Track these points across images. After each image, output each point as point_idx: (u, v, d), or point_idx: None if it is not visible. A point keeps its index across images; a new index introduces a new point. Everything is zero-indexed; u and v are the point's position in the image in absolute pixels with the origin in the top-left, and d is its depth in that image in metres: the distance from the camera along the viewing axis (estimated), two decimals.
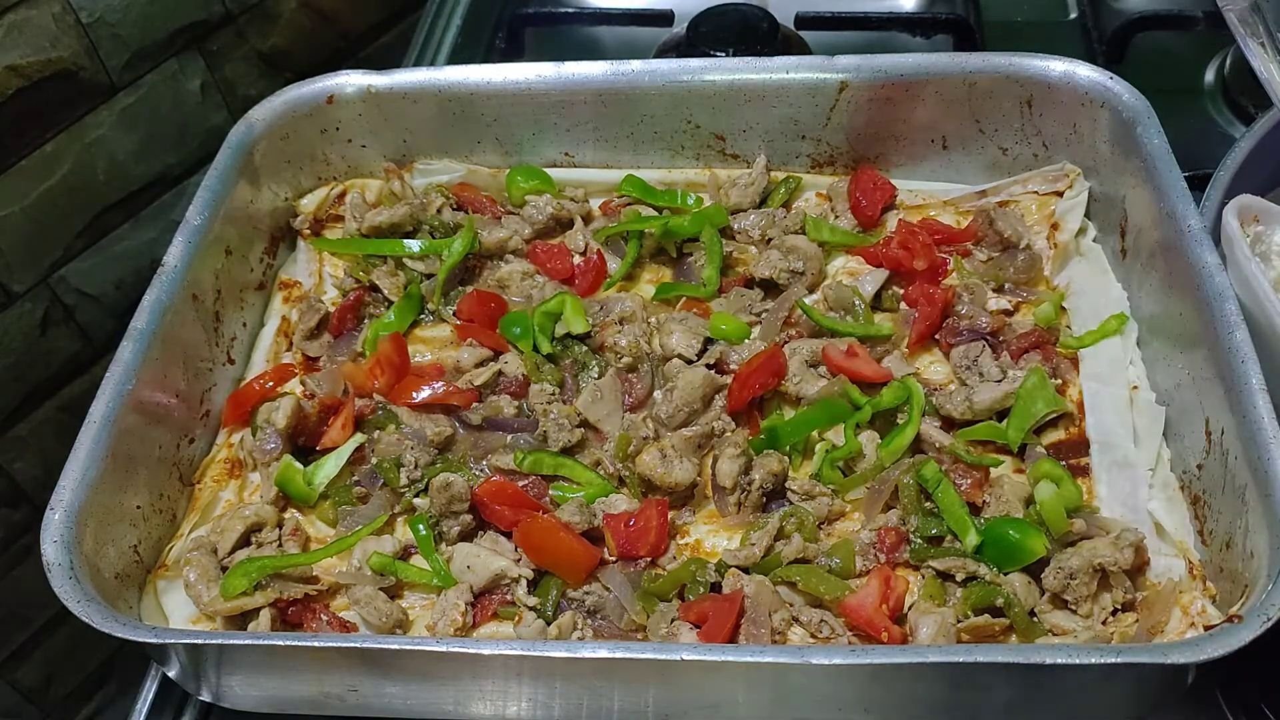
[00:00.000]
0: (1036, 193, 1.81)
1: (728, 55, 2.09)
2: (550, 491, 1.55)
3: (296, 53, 2.45)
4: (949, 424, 1.57)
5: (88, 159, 2.11)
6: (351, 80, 1.85)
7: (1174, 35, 2.29)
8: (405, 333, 1.75)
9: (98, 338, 2.25)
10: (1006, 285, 1.72)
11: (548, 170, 1.91)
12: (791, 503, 1.51)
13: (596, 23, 2.50)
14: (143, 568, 1.50)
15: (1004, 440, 1.53)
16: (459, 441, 1.61)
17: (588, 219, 1.89)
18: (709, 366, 1.63)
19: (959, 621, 1.36)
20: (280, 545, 1.51)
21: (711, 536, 1.51)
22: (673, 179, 1.91)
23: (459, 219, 1.86)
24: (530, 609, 1.42)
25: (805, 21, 2.32)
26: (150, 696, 1.56)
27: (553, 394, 1.63)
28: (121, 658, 2.50)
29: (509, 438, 1.60)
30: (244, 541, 1.51)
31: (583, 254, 1.84)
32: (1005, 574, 1.38)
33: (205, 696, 1.45)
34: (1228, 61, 2.20)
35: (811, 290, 1.76)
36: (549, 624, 1.40)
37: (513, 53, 2.39)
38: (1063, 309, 1.69)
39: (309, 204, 1.91)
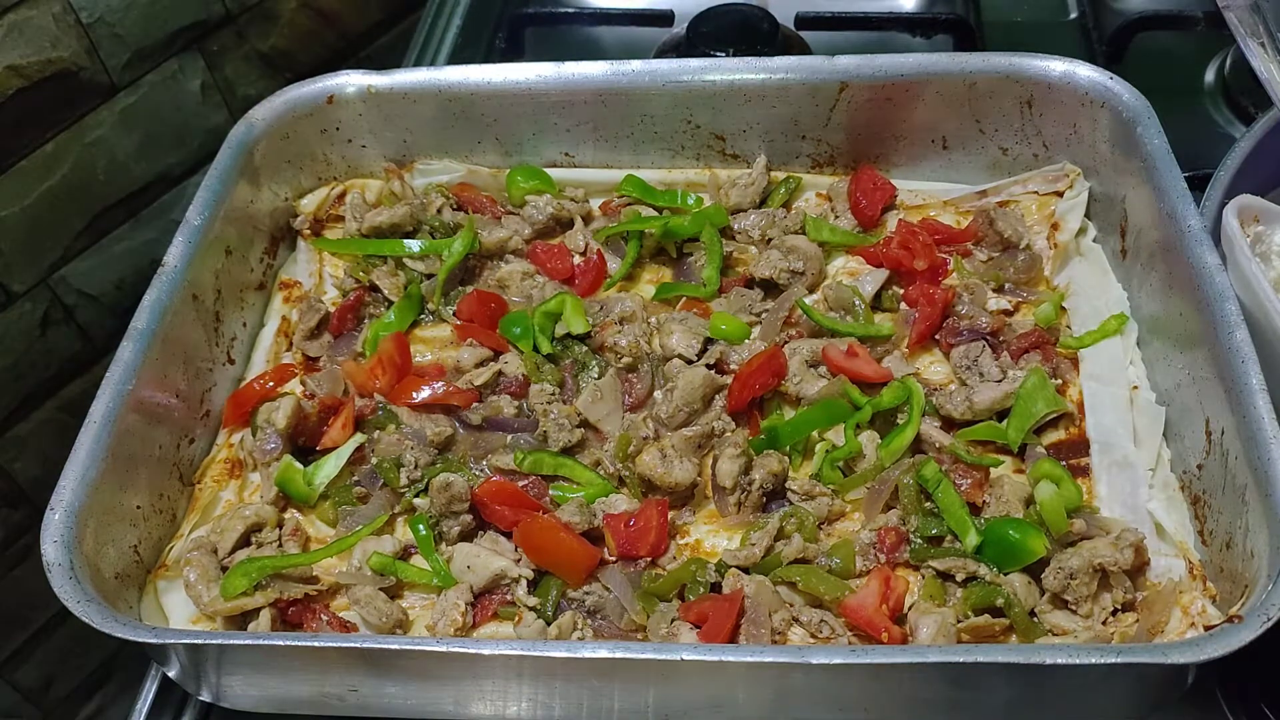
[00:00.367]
0: (1036, 193, 1.81)
1: (728, 55, 2.09)
2: (550, 491, 1.55)
3: (297, 53, 2.45)
4: (949, 424, 1.57)
5: (88, 159, 2.11)
6: (352, 80, 1.85)
7: (1174, 35, 2.29)
8: (405, 333, 1.74)
9: (98, 338, 2.25)
10: (1006, 285, 1.72)
11: (548, 170, 1.91)
12: (791, 503, 1.51)
13: (596, 23, 2.50)
14: (143, 568, 1.50)
15: (1004, 440, 1.53)
16: (459, 441, 1.61)
17: (588, 219, 1.89)
18: (709, 366, 1.63)
19: (959, 621, 1.35)
20: (280, 545, 1.51)
21: (711, 536, 1.51)
22: (673, 179, 1.91)
23: (459, 219, 1.86)
24: (530, 609, 1.42)
25: (805, 21, 2.32)
26: (150, 696, 1.56)
27: (553, 394, 1.63)
28: (121, 658, 2.50)
29: (509, 438, 1.60)
30: (244, 541, 1.51)
31: (583, 254, 1.84)
32: (1005, 574, 1.38)
33: (205, 696, 1.45)
34: (1228, 61, 2.20)
35: (811, 290, 1.76)
36: (549, 624, 1.40)
37: (513, 53, 2.39)
38: (1063, 309, 1.69)
39: (309, 204, 1.91)
